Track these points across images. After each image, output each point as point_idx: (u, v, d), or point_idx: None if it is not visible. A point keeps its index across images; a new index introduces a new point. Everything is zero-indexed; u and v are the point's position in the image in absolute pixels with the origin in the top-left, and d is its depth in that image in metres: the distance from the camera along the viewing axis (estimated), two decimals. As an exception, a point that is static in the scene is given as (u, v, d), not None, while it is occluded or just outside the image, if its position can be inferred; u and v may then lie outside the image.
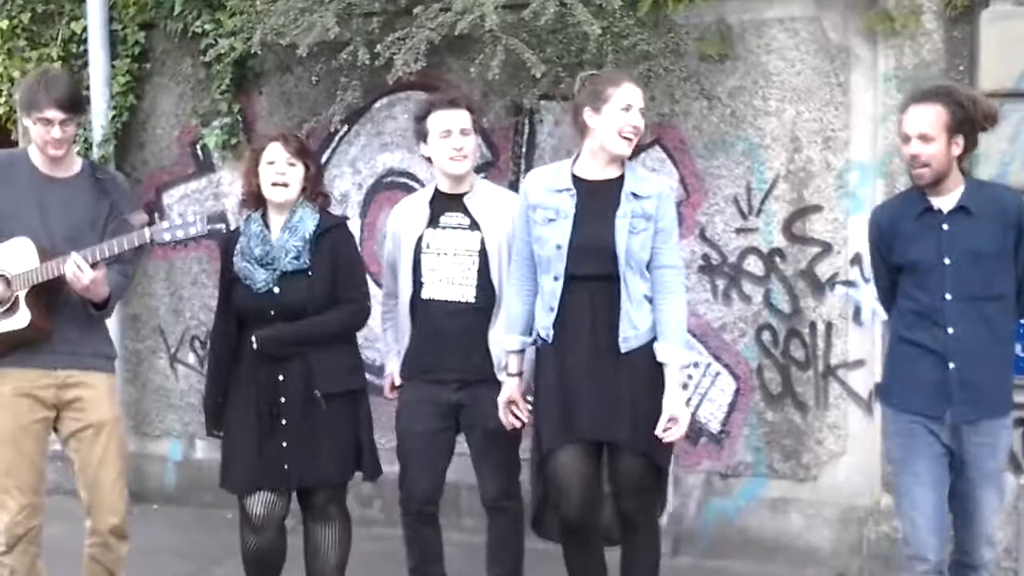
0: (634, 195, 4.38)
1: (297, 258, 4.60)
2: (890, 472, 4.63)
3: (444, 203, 4.89)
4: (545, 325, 4.45)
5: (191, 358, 7.32)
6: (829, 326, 5.99)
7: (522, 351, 4.63)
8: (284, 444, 4.60)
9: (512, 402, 4.65)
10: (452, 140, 4.77)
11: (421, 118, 4.88)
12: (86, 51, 7.12)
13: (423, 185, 6.46)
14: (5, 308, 4.45)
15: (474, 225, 4.83)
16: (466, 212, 4.84)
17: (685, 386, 4.75)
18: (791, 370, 6.08)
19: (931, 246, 4.21)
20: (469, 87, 6.34)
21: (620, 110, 4.36)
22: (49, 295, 4.46)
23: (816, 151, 5.96)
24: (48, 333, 4.50)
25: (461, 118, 4.80)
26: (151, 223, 4.50)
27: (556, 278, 4.42)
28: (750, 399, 6.16)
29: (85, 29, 7.12)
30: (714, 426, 6.20)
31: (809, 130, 5.97)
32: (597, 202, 4.40)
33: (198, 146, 7.20)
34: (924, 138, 4.13)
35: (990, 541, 4.37)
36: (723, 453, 6.21)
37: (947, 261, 4.18)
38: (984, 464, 4.25)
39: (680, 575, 5.80)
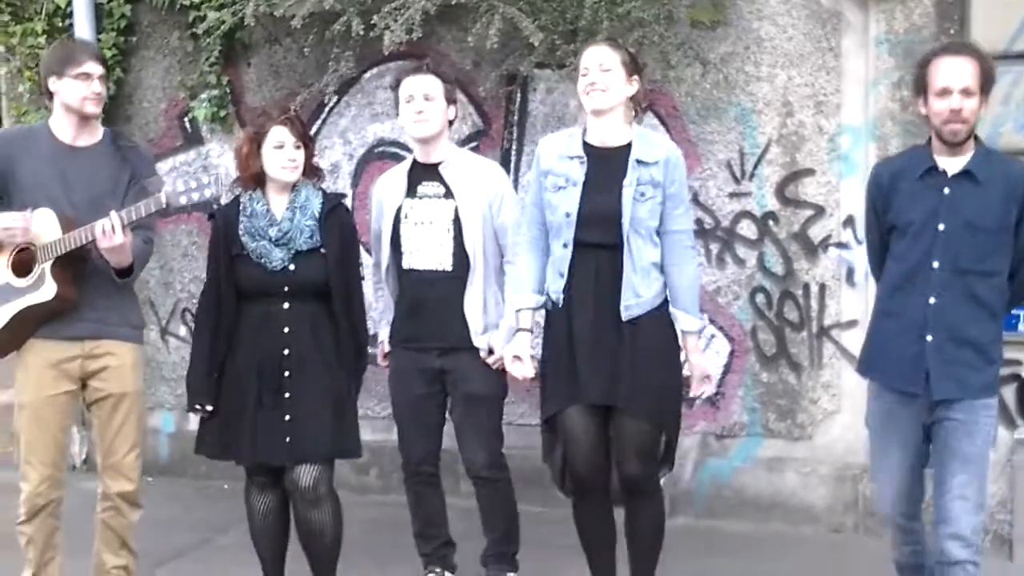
0: (640, 162, 4.44)
1: (311, 237, 4.65)
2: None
3: (421, 173, 4.97)
4: (556, 289, 4.52)
5: (182, 330, 7.32)
6: (822, 287, 6.07)
7: (536, 309, 4.67)
8: (287, 418, 4.62)
9: (518, 357, 4.68)
10: (414, 104, 4.86)
11: (395, 88, 5.02)
12: (71, 25, 7.06)
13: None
14: (31, 281, 4.47)
15: (449, 194, 4.90)
16: (442, 181, 4.92)
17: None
18: (785, 331, 6.17)
19: (928, 208, 4.02)
20: (460, 56, 6.39)
21: (581, 76, 4.47)
22: (75, 265, 4.48)
23: (808, 115, 6.02)
24: (74, 303, 4.51)
25: (425, 83, 4.87)
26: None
27: (565, 245, 4.48)
28: (745, 361, 6.24)
29: (70, 3, 7.04)
30: (709, 388, 6.25)
31: (801, 95, 6.03)
32: (606, 170, 4.46)
33: (186, 119, 7.20)
34: (967, 92, 3.93)
35: (959, 536, 4.00)
36: (719, 414, 6.30)
37: (941, 227, 3.99)
38: (956, 444, 4.02)
39: (677, 535, 5.79)
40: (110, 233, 4.31)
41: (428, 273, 4.90)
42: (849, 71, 5.95)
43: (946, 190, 4.02)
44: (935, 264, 4.00)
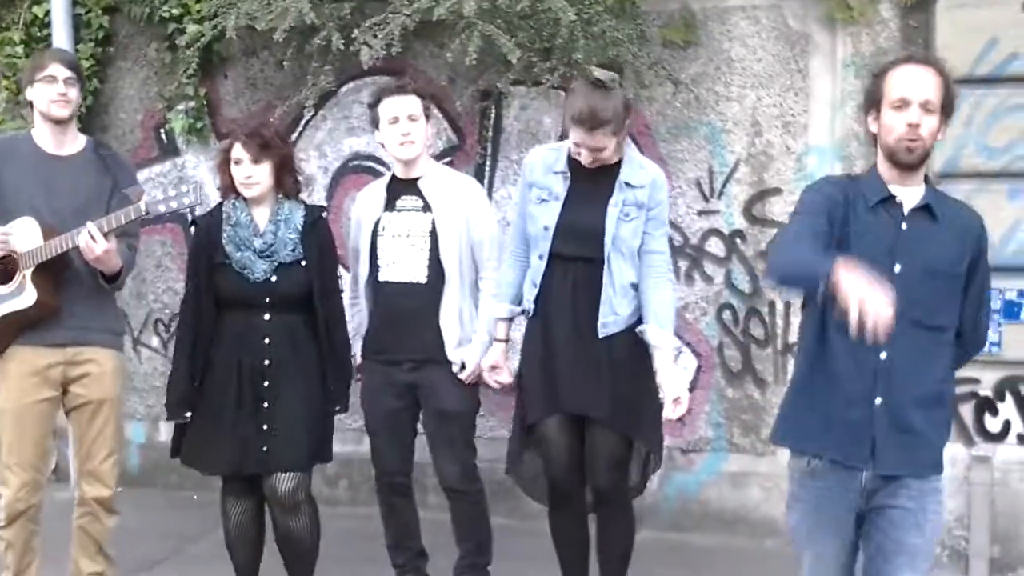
0: (628, 184, 4.51)
1: (293, 250, 4.71)
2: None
3: (400, 187, 5.02)
4: (530, 299, 4.61)
5: (155, 341, 7.35)
6: (788, 305, 6.15)
7: (510, 319, 4.78)
8: (264, 427, 4.65)
9: (495, 367, 4.81)
10: (400, 126, 4.89)
11: (373, 105, 5.02)
12: (49, 35, 7.07)
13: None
14: (12, 288, 4.50)
15: (427, 207, 4.95)
16: (420, 195, 4.97)
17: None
18: (751, 348, 6.27)
19: (882, 245, 3.37)
20: (436, 72, 6.47)
21: (573, 144, 4.51)
22: (56, 272, 4.52)
23: (776, 135, 6.15)
24: (56, 310, 4.55)
25: (409, 104, 4.91)
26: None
27: (541, 257, 4.57)
28: (711, 376, 6.33)
29: (48, 13, 7.06)
30: (682, 409, 6.31)
31: (769, 115, 6.15)
32: (591, 188, 4.53)
33: (162, 130, 7.24)
34: (927, 107, 3.30)
35: None
36: (685, 429, 6.35)
37: (897, 269, 3.32)
38: (903, 536, 3.41)
39: (643, 549, 5.82)
40: (91, 244, 4.35)
41: (403, 285, 4.93)
42: (816, 92, 6.08)
43: (904, 226, 3.39)
44: None
